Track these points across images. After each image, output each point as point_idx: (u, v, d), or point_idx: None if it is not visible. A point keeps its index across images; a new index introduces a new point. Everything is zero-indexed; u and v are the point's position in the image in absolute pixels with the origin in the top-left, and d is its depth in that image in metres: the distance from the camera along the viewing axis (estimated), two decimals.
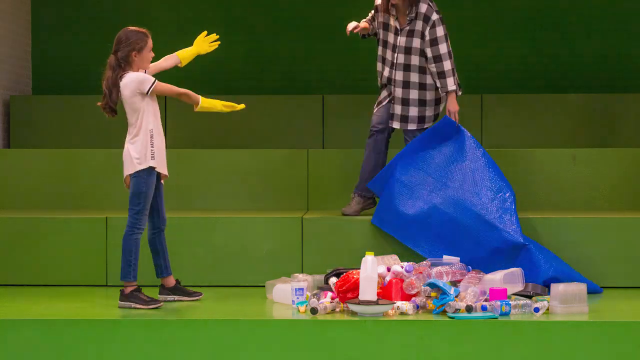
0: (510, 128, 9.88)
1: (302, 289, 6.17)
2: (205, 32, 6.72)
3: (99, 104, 6.35)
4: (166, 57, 6.65)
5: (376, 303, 5.80)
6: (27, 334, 5.75)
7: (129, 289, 6.26)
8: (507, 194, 7.12)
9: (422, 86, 7.14)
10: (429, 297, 5.99)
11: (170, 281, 6.53)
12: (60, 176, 8.54)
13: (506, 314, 5.84)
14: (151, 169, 6.24)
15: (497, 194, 7.12)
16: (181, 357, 5.70)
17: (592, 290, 6.89)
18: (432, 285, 6.04)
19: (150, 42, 6.33)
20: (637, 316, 6.08)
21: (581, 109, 9.88)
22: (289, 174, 8.48)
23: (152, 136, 6.24)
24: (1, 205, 8.47)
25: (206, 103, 6.38)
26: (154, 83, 6.22)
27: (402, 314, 5.78)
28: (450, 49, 7.06)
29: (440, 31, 6.96)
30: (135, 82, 6.21)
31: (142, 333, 5.75)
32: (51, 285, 7.31)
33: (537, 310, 5.90)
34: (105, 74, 6.28)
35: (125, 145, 6.30)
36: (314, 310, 5.86)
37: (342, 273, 6.75)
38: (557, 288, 6.03)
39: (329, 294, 6.19)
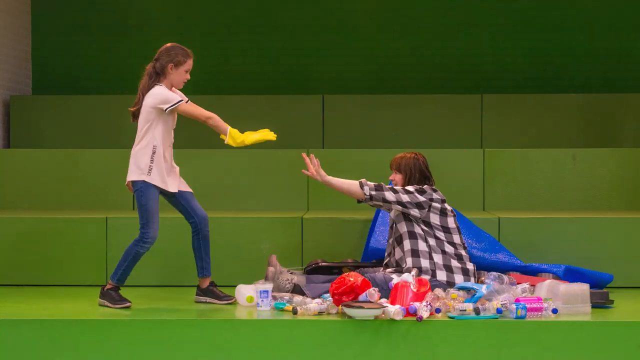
0: (510, 128, 9.88)
1: (267, 292, 6.14)
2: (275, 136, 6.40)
3: (131, 108, 6.32)
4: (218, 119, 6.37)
5: (377, 306, 5.79)
6: (27, 334, 5.74)
7: (107, 287, 6.30)
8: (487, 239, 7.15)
9: None
10: (451, 299, 5.94)
11: (204, 282, 6.51)
12: (60, 176, 8.54)
13: (522, 317, 5.76)
14: (146, 182, 6.25)
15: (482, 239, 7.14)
16: (181, 357, 5.70)
17: (604, 281, 6.93)
18: (464, 288, 6.06)
19: (189, 62, 6.28)
20: (637, 316, 6.08)
21: (581, 109, 9.89)
22: (289, 174, 8.48)
23: (154, 152, 6.23)
24: (1, 205, 8.47)
25: (236, 135, 6.18)
26: (177, 103, 6.19)
27: (391, 319, 5.73)
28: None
29: None
30: (160, 95, 6.20)
31: (142, 333, 5.74)
32: (51, 285, 7.31)
33: (555, 311, 5.86)
34: (142, 81, 6.30)
35: (132, 151, 6.30)
36: (294, 311, 5.87)
37: (322, 267, 6.88)
38: (559, 288, 6.02)
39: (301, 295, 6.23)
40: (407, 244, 6.47)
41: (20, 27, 10.24)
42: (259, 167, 8.56)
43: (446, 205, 6.53)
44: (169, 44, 6.32)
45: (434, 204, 6.46)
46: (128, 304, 6.20)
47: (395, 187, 6.49)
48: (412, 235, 6.47)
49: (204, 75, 10.39)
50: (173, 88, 6.33)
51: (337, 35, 10.57)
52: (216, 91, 10.41)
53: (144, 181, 6.23)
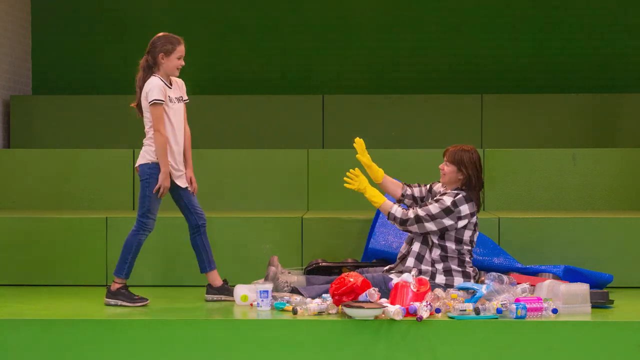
0: (510, 128, 9.88)
1: (267, 292, 6.14)
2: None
3: (132, 104, 6.37)
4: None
5: (377, 306, 5.79)
6: (27, 334, 5.74)
7: (116, 286, 6.29)
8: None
9: None
10: (451, 299, 5.94)
11: (217, 281, 6.52)
12: (60, 176, 8.54)
13: (522, 317, 5.76)
14: (157, 165, 6.22)
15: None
16: (181, 357, 5.70)
17: (604, 281, 6.92)
18: (464, 289, 6.06)
19: (180, 49, 6.31)
20: (637, 316, 6.08)
21: (581, 109, 9.89)
22: (289, 174, 8.48)
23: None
24: (1, 205, 8.47)
25: None
26: (152, 102, 6.21)
27: (391, 319, 5.72)
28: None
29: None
30: (145, 89, 6.25)
31: (142, 333, 5.74)
32: (51, 285, 7.31)
33: (555, 311, 5.86)
34: (137, 75, 6.34)
35: (143, 142, 6.34)
36: (294, 311, 5.87)
37: (322, 267, 6.87)
38: (559, 288, 6.01)
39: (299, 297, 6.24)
40: (416, 246, 6.45)
41: (20, 27, 10.24)
42: (259, 167, 8.56)
43: (474, 219, 6.44)
44: (159, 34, 6.37)
45: (460, 222, 6.36)
46: (147, 302, 6.23)
47: (420, 215, 6.36)
48: (425, 241, 6.46)
49: (204, 75, 10.40)
50: (173, 79, 6.36)
51: (337, 35, 10.57)
52: (216, 91, 10.41)
53: (154, 163, 6.24)
